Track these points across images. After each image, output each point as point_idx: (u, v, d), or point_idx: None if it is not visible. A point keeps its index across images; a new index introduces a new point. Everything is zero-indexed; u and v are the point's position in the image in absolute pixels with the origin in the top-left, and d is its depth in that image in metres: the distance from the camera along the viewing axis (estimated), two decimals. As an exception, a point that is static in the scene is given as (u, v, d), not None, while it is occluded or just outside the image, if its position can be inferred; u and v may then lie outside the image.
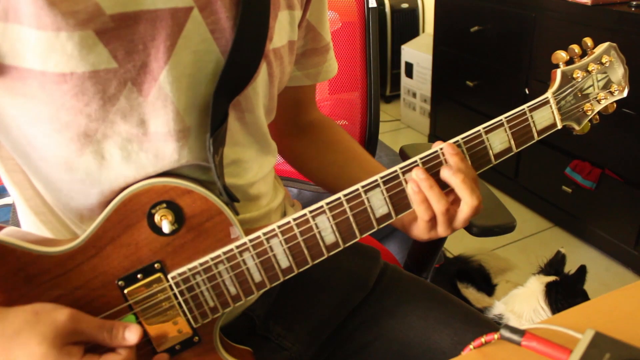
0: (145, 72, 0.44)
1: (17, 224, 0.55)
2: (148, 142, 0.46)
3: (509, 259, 1.68)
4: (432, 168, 0.49)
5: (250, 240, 0.47)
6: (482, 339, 0.44)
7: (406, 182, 0.49)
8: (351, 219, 0.48)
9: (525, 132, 0.51)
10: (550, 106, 0.52)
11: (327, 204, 0.47)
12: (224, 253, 0.47)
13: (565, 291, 1.25)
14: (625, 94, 0.55)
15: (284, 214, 0.65)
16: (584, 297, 1.28)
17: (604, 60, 0.53)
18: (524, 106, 0.51)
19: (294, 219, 0.47)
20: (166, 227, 0.45)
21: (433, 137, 2.43)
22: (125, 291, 0.46)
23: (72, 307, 0.44)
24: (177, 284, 0.47)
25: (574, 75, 0.52)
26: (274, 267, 0.48)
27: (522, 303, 1.26)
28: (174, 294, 0.47)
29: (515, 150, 0.52)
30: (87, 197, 0.48)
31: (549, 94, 0.52)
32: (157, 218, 0.45)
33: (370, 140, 0.98)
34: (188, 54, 0.45)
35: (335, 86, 0.97)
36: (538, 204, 1.91)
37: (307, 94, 0.70)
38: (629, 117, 1.47)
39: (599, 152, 1.60)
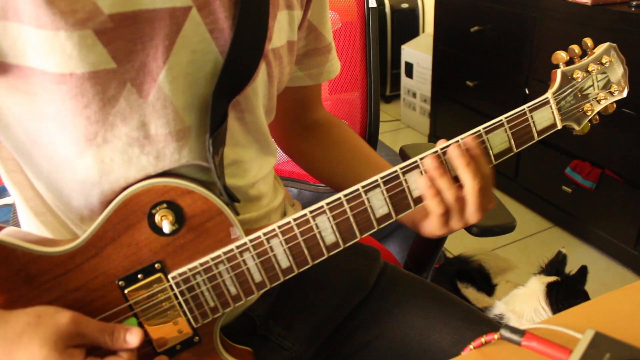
0: (145, 73, 0.44)
1: (18, 224, 0.55)
2: (149, 145, 0.46)
3: (509, 259, 1.68)
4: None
5: (251, 241, 0.47)
6: (482, 339, 0.45)
7: (406, 182, 0.49)
8: (351, 219, 0.48)
9: (526, 132, 0.51)
10: (550, 106, 0.52)
11: (327, 204, 0.47)
12: (224, 253, 0.47)
13: (566, 291, 1.25)
14: (625, 94, 0.55)
15: (284, 214, 0.65)
16: (585, 298, 1.28)
17: (604, 61, 0.53)
18: (524, 106, 0.51)
19: (294, 219, 0.47)
20: (166, 227, 0.45)
21: (433, 137, 2.43)
22: (126, 291, 0.47)
23: (72, 308, 0.44)
24: (177, 284, 0.47)
25: (574, 76, 0.53)
26: (274, 267, 0.48)
27: (522, 303, 1.26)
28: (175, 294, 0.47)
29: (515, 150, 0.52)
30: (87, 197, 0.48)
31: (549, 94, 0.52)
32: (157, 218, 0.45)
33: (370, 140, 0.98)
34: (187, 54, 0.45)
35: (335, 86, 0.97)
36: (538, 204, 1.91)
37: (313, 93, 0.69)
38: (629, 117, 1.47)
39: (599, 152, 1.60)
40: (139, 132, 0.45)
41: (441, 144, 0.49)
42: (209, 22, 0.46)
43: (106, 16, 0.40)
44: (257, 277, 0.48)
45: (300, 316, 0.62)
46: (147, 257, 0.46)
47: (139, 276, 0.46)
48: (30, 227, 0.53)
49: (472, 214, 0.50)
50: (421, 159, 0.49)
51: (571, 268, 1.34)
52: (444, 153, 0.49)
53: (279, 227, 0.47)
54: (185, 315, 0.48)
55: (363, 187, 0.48)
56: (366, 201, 0.48)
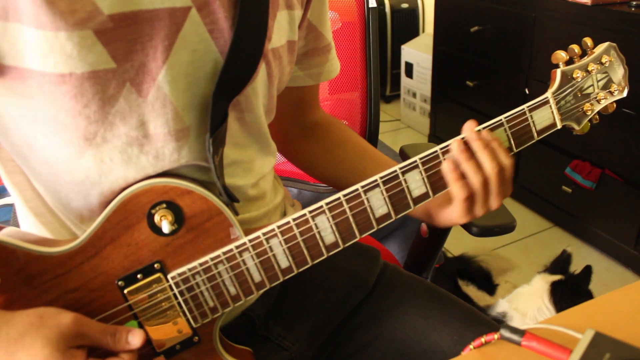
0: (144, 72, 0.44)
1: (18, 224, 0.55)
2: (148, 145, 0.46)
3: (511, 259, 1.67)
4: (432, 168, 0.49)
5: (250, 241, 0.47)
6: (482, 339, 0.45)
7: (406, 182, 0.49)
8: (351, 219, 0.48)
9: (525, 132, 0.51)
10: (550, 106, 0.52)
11: (327, 204, 0.47)
12: (224, 253, 0.47)
13: (570, 291, 1.24)
14: (625, 94, 0.55)
15: (284, 214, 0.65)
16: (589, 297, 1.28)
17: (603, 60, 0.53)
18: (524, 106, 0.51)
19: (294, 219, 0.47)
20: (166, 227, 0.45)
21: (433, 137, 2.43)
22: (125, 291, 0.46)
23: (72, 307, 0.44)
24: (176, 284, 0.47)
25: (574, 75, 0.53)
26: (274, 267, 0.48)
27: (526, 302, 1.26)
28: (174, 294, 0.47)
29: (515, 150, 0.52)
30: (86, 197, 0.48)
31: (548, 94, 0.52)
32: (157, 218, 0.45)
33: (370, 140, 0.98)
34: (186, 54, 0.45)
35: (335, 86, 0.97)
36: (538, 204, 1.91)
37: (311, 94, 0.69)
38: (629, 117, 1.47)
39: (599, 152, 1.60)
40: (138, 132, 0.45)
41: (470, 124, 0.50)
42: (208, 22, 0.46)
43: (106, 16, 0.40)
44: (257, 277, 0.48)
45: (300, 316, 0.62)
46: (147, 257, 0.46)
47: (139, 276, 0.46)
48: (30, 228, 0.53)
49: (494, 199, 0.51)
50: (420, 158, 0.49)
51: (573, 269, 1.33)
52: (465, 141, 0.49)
53: (279, 227, 0.47)
54: (185, 315, 0.48)
55: (362, 187, 0.48)
56: (365, 201, 0.48)
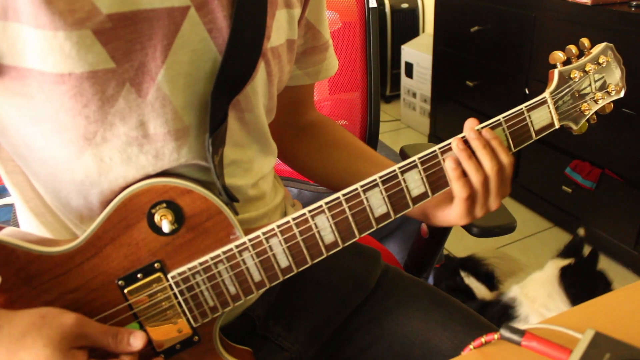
0: (143, 72, 0.44)
1: (18, 224, 0.55)
2: (148, 144, 0.46)
3: (519, 260, 1.65)
4: (431, 167, 0.49)
5: (250, 240, 0.47)
6: (482, 339, 0.45)
7: (405, 182, 0.49)
8: (350, 218, 0.48)
9: (523, 131, 0.52)
10: (548, 106, 0.52)
11: (326, 203, 0.47)
12: (224, 253, 0.47)
13: (580, 274, 1.21)
14: (622, 94, 0.55)
15: (284, 214, 0.65)
16: (603, 279, 1.23)
17: (601, 61, 0.54)
18: (522, 106, 0.51)
19: (293, 219, 0.47)
20: (166, 227, 0.45)
21: (433, 137, 2.43)
22: (125, 291, 0.47)
23: (72, 307, 0.44)
24: (176, 284, 0.47)
25: (571, 76, 0.53)
26: (274, 267, 0.48)
27: (537, 288, 1.23)
28: (174, 294, 0.48)
29: (513, 149, 0.52)
30: (86, 197, 0.48)
31: (546, 94, 0.52)
32: (156, 218, 0.46)
33: (370, 140, 0.98)
34: (186, 53, 0.45)
35: (335, 86, 0.97)
36: (538, 204, 1.91)
37: (306, 93, 0.69)
38: (629, 117, 1.47)
39: (599, 152, 1.60)
40: (138, 131, 0.45)
41: (471, 123, 0.50)
42: (207, 21, 0.46)
43: (105, 16, 0.40)
44: (257, 277, 0.48)
45: (300, 316, 0.62)
46: (147, 256, 0.46)
47: (139, 276, 0.47)
48: (30, 228, 0.53)
49: (494, 199, 0.51)
50: (419, 158, 0.49)
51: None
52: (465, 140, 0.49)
53: (278, 226, 0.47)
54: (185, 314, 0.48)
55: (362, 186, 0.48)
56: (365, 201, 0.48)
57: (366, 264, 0.68)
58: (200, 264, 0.47)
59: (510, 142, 0.51)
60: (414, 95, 2.61)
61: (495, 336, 0.44)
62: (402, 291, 0.66)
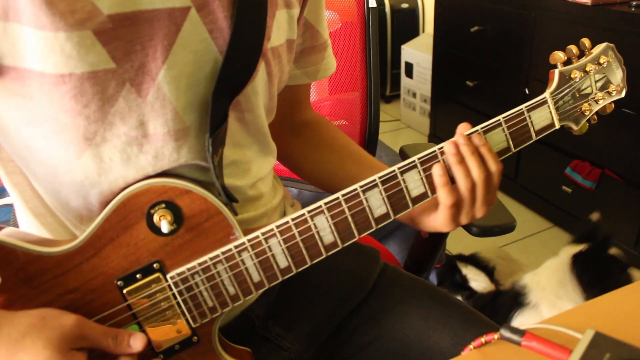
0: (144, 73, 0.44)
1: (18, 225, 0.55)
2: (147, 144, 0.46)
3: (521, 261, 1.64)
4: (430, 168, 0.49)
5: (249, 240, 0.47)
6: (482, 339, 0.45)
7: (404, 182, 0.49)
8: (349, 218, 0.48)
9: (523, 132, 0.51)
10: (548, 106, 0.52)
11: (326, 203, 0.47)
12: (223, 253, 0.47)
13: (591, 260, 1.16)
14: (623, 94, 0.55)
15: (284, 214, 0.65)
16: (617, 263, 1.18)
17: (601, 61, 0.53)
18: (522, 106, 0.51)
19: (293, 219, 0.47)
20: (165, 227, 0.45)
21: (433, 137, 2.43)
22: (124, 291, 0.47)
23: (71, 308, 0.44)
24: (175, 284, 0.47)
25: (572, 76, 0.53)
26: (273, 267, 0.48)
27: (549, 275, 1.20)
28: (173, 294, 0.47)
29: (513, 150, 0.52)
30: (86, 198, 0.48)
31: (546, 94, 0.52)
32: (156, 218, 0.45)
33: (370, 140, 0.98)
34: (187, 54, 0.45)
35: (335, 86, 0.97)
36: (538, 204, 1.91)
37: (302, 92, 0.69)
38: (629, 118, 1.47)
39: (599, 152, 1.60)
40: (138, 131, 0.45)
41: (462, 127, 0.49)
42: (208, 22, 0.46)
43: (105, 16, 0.40)
44: (256, 277, 0.48)
45: (300, 316, 0.62)
46: (146, 257, 0.46)
47: (138, 276, 0.46)
48: (29, 228, 0.53)
49: (480, 207, 0.51)
50: (419, 158, 0.49)
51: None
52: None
53: (277, 226, 0.47)
54: (184, 315, 0.48)
55: (361, 186, 0.48)
56: (364, 201, 0.48)
57: (365, 263, 0.68)
58: (199, 264, 0.47)
59: (510, 142, 0.51)
60: (414, 95, 2.61)
61: (495, 336, 0.44)
62: (401, 289, 0.66)
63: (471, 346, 0.45)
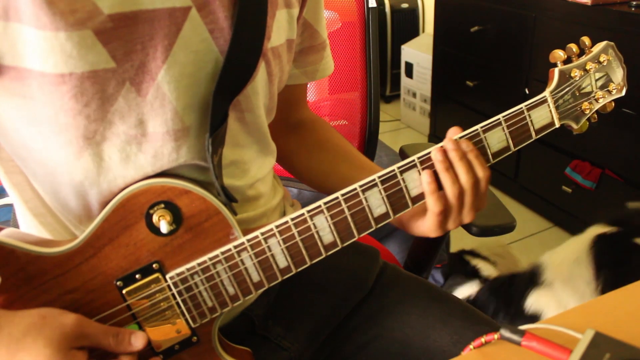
0: (144, 72, 0.44)
1: (18, 225, 0.55)
2: (146, 143, 0.46)
3: (520, 260, 1.64)
4: (431, 167, 0.49)
5: (248, 240, 0.47)
6: (482, 339, 0.44)
7: (404, 182, 0.49)
8: (349, 218, 0.48)
9: (523, 131, 0.51)
10: (548, 105, 0.52)
11: (325, 203, 0.47)
12: (222, 253, 0.47)
13: (614, 244, 1.11)
14: (623, 93, 0.55)
15: (284, 214, 0.65)
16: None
17: (601, 59, 0.53)
18: (522, 105, 0.51)
19: (292, 219, 0.47)
20: (164, 228, 0.45)
21: (433, 137, 2.43)
22: (124, 291, 0.46)
23: (70, 308, 0.44)
24: (175, 284, 0.47)
25: (572, 74, 0.52)
26: (272, 267, 0.48)
27: (568, 252, 1.17)
28: (172, 294, 0.47)
29: (513, 149, 0.52)
30: (85, 198, 0.48)
31: (546, 93, 0.52)
32: (155, 218, 0.45)
33: (370, 140, 0.98)
34: (187, 54, 0.45)
35: (335, 86, 0.97)
36: (538, 204, 1.90)
37: (299, 92, 0.69)
38: (629, 117, 1.47)
39: (599, 152, 1.60)
40: (137, 130, 0.45)
41: (451, 132, 0.49)
42: (208, 22, 0.46)
43: (105, 16, 0.41)
44: (255, 277, 0.48)
45: (300, 316, 0.62)
46: (145, 257, 0.46)
47: (137, 276, 0.46)
48: (29, 228, 0.53)
49: (467, 213, 0.50)
50: (419, 158, 0.49)
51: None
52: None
53: (277, 226, 0.47)
54: (184, 315, 0.48)
55: (360, 186, 0.48)
56: (364, 200, 0.48)
57: (365, 263, 0.68)
58: (199, 264, 0.47)
59: (510, 141, 0.51)
60: (414, 95, 2.61)
61: (495, 336, 0.44)
62: (400, 288, 0.66)
63: (471, 346, 0.45)
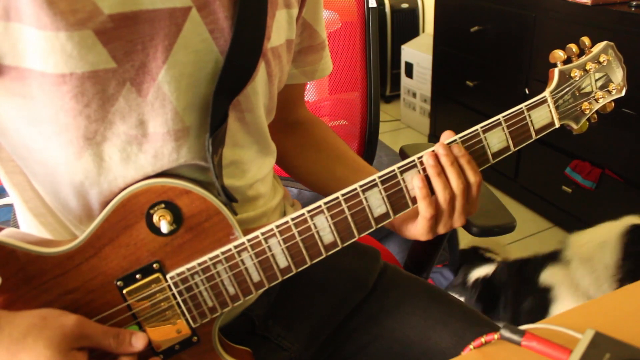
0: (144, 72, 0.44)
1: (18, 225, 0.55)
2: (147, 143, 0.46)
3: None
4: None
5: (249, 240, 0.47)
6: (482, 339, 0.44)
7: (404, 182, 0.49)
8: (349, 218, 0.48)
9: (523, 131, 0.51)
10: (548, 105, 0.52)
11: (325, 203, 0.47)
12: (222, 253, 0.47)
13: None
14: (623, 93, 0.55)
15: (284, 214, 0.65)
16: None
17: (601, 59, 0.53)
18: (522, 105, 0.51)
19: (292, 219, 0.47)
20: (164, 227, 0.45)
21: (433, 137, 2.43)
22: (124, 291, 0.46)
23: (71, 308, 0.44)
24: (175, 284, 0.47)
25: (572, 74, 0.52)
26: (273, 267, 0.48)
27: (596, 235, 1.15)
28: (173, 294, 0.47)
29: (513, 149, 0.52)
30: (86, 198, 0.48)
31: (546, 93, 0.52)
32: (155, 218, 0.45)
33: (370, 140, 0.98)
34: (188, 54, 0.45)
35: (335, 86, 0.97)
36: (538, 204, 1.90)
37: (297, 92, 0.70)
38: (629, 117, 1.47)
39: (599, 152, 1.60)
40: (137, 130, 0.45)
41: (444, 136, 0.49)
42: (209, 22, 0.46)
43: (106, 16, 0.41)
44: (255, 277, 0.48)
45: (300, 316, 0.62)
46: (146, 257, 0.46)
47: (137, 276, 0.46)
48: (29, 228, 0.53)
49: (458, 217, 0.51)
50: (419, 158, 0.49)
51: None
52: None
53: (277, 226, 0.47)
54: (184, 315, 0.48)
55: (360, 186, 0.48)
56: (364, 200, 0.48)
57: (365, 263, 0.68)
58: (199, 264, 0.47)
59: (510, 141, 0.51)
60: (414, 95, 2.61)
61: (495, 336, 0.44)
62: (401, 289, 0.66)
63: (471, 346, 0.45)
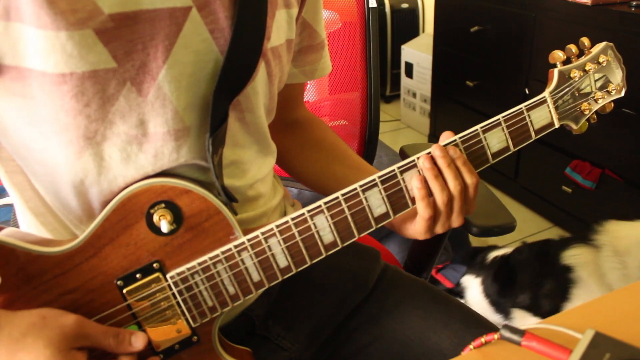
0: (144, 72, 0.44)
1: (18, 225, 0.55)
2: (147, 143, 0.46)
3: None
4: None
5: (249, 240, 0.47)
6: (482, 339, 0.44)
7: (404, 182, 0.49)
8: (349, 218, 0.48)
9: (523, 131, 0.51)
10: (548, 105, 0.52)
11: (325, 203, 0.47)
12: (222, 253, 0.47)
13: None
14: (622, 93, 0.55)
15: (284, 214, 0.65)
16: None
17: (601, 60, 0.53)
18: (521, 105, 0.51)
19: (292, 219, 0.47)
20: (165, 227, 0.45)
21: (433, 137, 2.43)
22: (124, 291, 0.47)
23: (71, 307, 0.44)
24: (175, 284, 0.47)
25: (571, 75, 0.53)
26: (273, 267, 0.48)
27: (636, 230, 1.11)
28: (173, 294, 0.47)
29: (512, 149, 0.52)
30: (85, 198, 0.48)
31: (546, 94, 0.52)
32: (155, 218, 0.46)
33: (370, 140, 0.98)
34: (188, 54, 0.45)
35: (335, 86, 0.97)
36: (538, 204, 1.90)
37: (297, 91, 0.70)
38: (629, 117, 1.47)
39: (599, 152, 1.60)
40: (138, 130, 0.45)
41: (442, 137, 0.49)
42: (209, 22, 0.46)
43: (106, 16, 0.41)
44: (255, 277, 0.48)
45: (300, 316, 0.62)
46: (146, 256, 0.46)
47: (138, 276, 0.46)
48: (29, 228, 0.53)
49: (456, 218, 0.51)
50: (419, 158, 0.49)
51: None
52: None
53: (277, 226, 0.47)
54: (184, 315, 0.48)
55: (360, 186, 0.48)
56: (364, 200, 0.48)
57: (366, 264, 0.68)
58: (199, 264, 0.47)
59: (510, 141, 0.51)
60: (414, 95, 2.61)
61: (495, 336, 0.44)
62: (401, 290, 0.66)
63: (471, 346, 0.45)
